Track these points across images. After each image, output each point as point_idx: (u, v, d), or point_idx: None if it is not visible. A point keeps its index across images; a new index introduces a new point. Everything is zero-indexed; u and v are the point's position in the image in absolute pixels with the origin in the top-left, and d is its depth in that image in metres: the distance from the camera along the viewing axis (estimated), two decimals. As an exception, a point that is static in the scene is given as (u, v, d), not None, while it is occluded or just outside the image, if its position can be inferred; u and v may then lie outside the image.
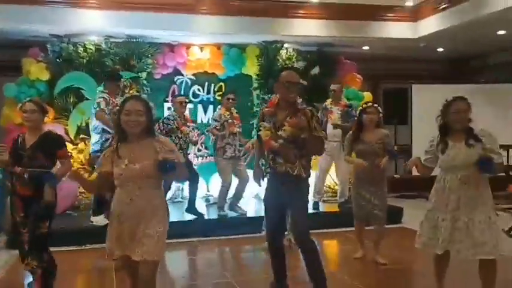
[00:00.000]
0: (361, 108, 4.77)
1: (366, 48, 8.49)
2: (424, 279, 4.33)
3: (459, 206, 3.25)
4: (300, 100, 3.57)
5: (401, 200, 7.99)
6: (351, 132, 4.82)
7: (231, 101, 6.45)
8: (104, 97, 5.68)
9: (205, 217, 6.40)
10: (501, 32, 7.40)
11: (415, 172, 4.12)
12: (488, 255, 3.20)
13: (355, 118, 6.89)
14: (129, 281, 3.06)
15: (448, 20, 7.08)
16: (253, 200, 7.44)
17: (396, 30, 7.77)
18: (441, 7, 7.14)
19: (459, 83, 8.60)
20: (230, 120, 6.35)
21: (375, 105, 4.77)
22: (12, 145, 3.78)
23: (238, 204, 6.53)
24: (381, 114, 4.78)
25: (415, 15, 7.70)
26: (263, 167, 4.09)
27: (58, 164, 3.77)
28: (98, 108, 5.65)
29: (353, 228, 5.12)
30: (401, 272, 4.72)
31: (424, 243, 3.41)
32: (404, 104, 8.02)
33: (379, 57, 8.93)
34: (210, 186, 7.62)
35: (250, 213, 6.60)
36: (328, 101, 6.85)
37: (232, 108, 6.55)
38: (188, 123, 6.36)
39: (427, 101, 8.11)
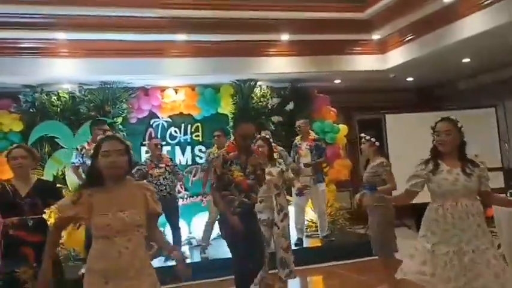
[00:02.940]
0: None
1: (337, 81, 8.67)
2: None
3: (464, 238, 2.99)
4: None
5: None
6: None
7: (215, 138, 6.48)
8: (76, 148, 5.60)
9: (188, 260, 6.26)
10: (466, 60, 7.66)
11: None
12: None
13: (325, 150, 7.05)
14: None
15: (414, 51, 7.31)
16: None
17: (365, 62, 7.99)
18: (407, 39, 7.39)
19: (429, 110, 8.80)
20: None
21: (362, 134, 4.84)
22: None
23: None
24: (374, 143, 4.77)
25: (382, 47, 7.93)
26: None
27: None
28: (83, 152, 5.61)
29: (337, 263, 5.04)
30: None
31: (443, 282, 2.96)
32: (379, 134, 8.12)
33: (351, 89, 9.12)
34: (192, 228, 7.50)
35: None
36: (298, 138, 6.96)
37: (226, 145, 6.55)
38: (161, 164, 6.25)
39: (400, 130, 8.28)
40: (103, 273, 2.39)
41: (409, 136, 8.03)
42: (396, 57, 7.72)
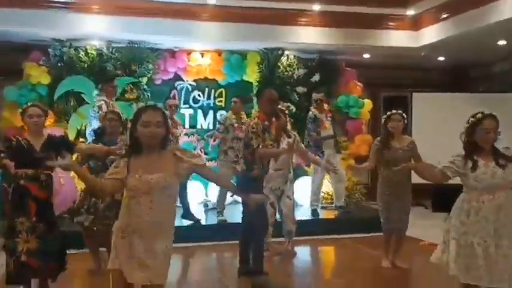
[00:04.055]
0: (386, 116, 4.79)
1: (366, 56, 8.51)
2: (428, 286, 4.35)
3: (493, 231, 3.05)
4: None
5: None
6: (377, 140, 4.84)
7: (232, 104, 6.52)
8: (104, 100, 5.74)
9: (203, 222, 6.38)
10: (502, 42, 7.40)
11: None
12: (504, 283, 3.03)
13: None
14: None
15: (449, 30, 7.08)
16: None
17: (397, 38, 7.79)
18: (442, 16, 7.16)
19: (459, 91, 8.61)
20: (236, 124, 6.40)
21: (399, 112, 4.77)
22: (12, 148, 3.76)
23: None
24: (405, 121, 4.83)
25: (416, 24, 7.71)
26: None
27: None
28: (100, 112, 5.67)
29: (351, 235, 5.13)
30: (402, 280, 4.66)
31: (461, 271, 3.08)
32: (404, 112, 8.02)
33: (379, 65, 8.95)
34: (208, 191, 7.59)
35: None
36: (315, 111, 6.91)
37: (243, 113, 6.61)
38: (178, 127, 6.36)
39: (427, 110, 8.14)
40: (127, 229, 2.59)
41: (434, 116, 7.92)
42: (429, 35, 7.49)
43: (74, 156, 4.51)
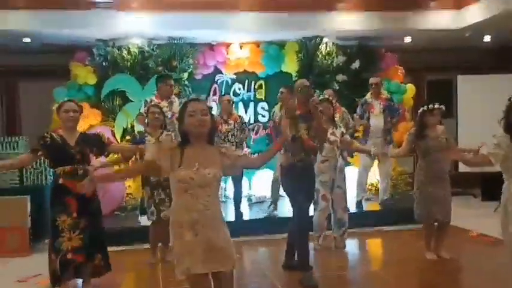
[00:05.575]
0: (425, 108, 4.72)
1: (407, 39, 8.28)
2: (477, 278, 4.25)
3: None
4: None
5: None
6: (413, 130, 4.87)
7: (279, 94, 6.47)
8: (145, 100, 5.84)
9: (248, 217, 6.42)
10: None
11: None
12: None
13: (399, 112, 6.90)
14: None
15: (494, 7, 6.79)
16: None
17: (439, 20, 7.55)
18: (486, -7, 6.87)
19: (507, 73, 8.25)
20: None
21: (441, 106, 4.73)
22: (47, 145, 3.82)
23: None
24: None
25: (459, 3, 7.44)
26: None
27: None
28: (139, 115, 5.81)
29: (395, 227, 5.28)
30: (450, 272, 4.55)
31: None
32: (449, 96, 7.78)
33: (421, 48, 8.69)
34: (252, 185, 7.64)
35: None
36: (368, 95, 6.79)
37: None
38: (230, 121, 6.29)
39: (473, 93, 7.87)
40: (193, 226, 2.62)
41: (481, 99, 7.65)
42: (474, 14, 7.21)
43: (115, 156, 4.64)
